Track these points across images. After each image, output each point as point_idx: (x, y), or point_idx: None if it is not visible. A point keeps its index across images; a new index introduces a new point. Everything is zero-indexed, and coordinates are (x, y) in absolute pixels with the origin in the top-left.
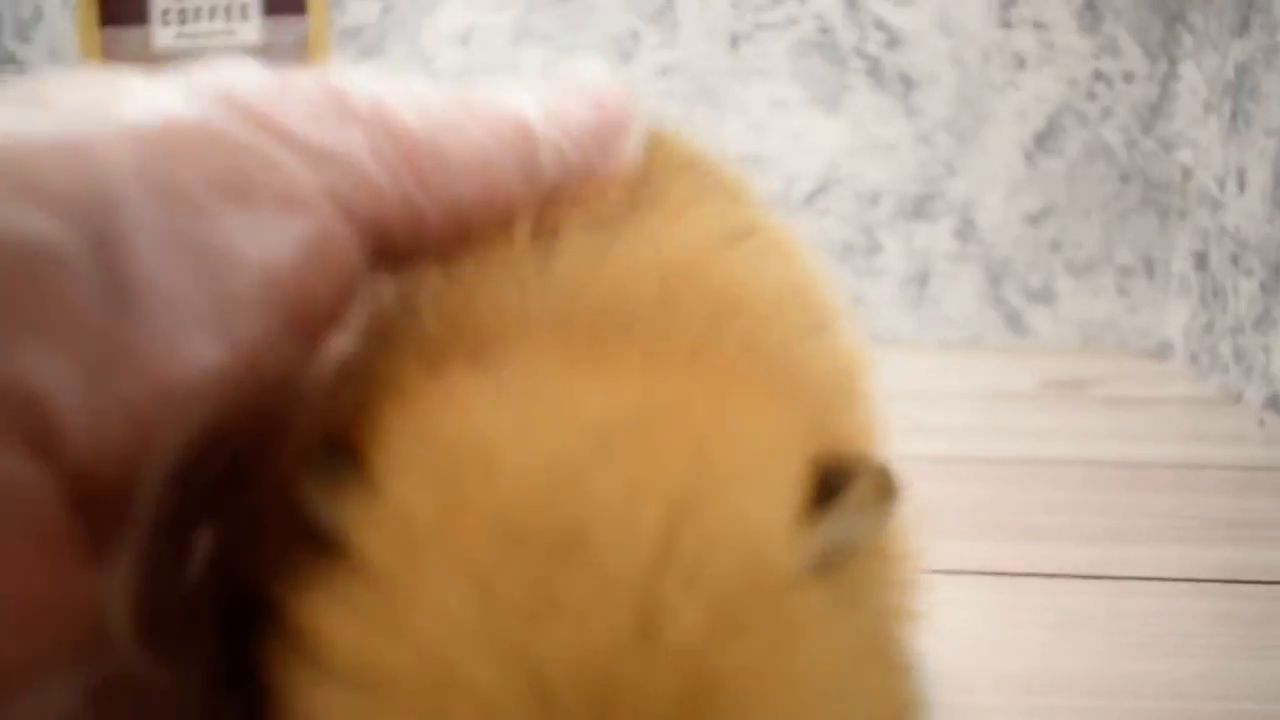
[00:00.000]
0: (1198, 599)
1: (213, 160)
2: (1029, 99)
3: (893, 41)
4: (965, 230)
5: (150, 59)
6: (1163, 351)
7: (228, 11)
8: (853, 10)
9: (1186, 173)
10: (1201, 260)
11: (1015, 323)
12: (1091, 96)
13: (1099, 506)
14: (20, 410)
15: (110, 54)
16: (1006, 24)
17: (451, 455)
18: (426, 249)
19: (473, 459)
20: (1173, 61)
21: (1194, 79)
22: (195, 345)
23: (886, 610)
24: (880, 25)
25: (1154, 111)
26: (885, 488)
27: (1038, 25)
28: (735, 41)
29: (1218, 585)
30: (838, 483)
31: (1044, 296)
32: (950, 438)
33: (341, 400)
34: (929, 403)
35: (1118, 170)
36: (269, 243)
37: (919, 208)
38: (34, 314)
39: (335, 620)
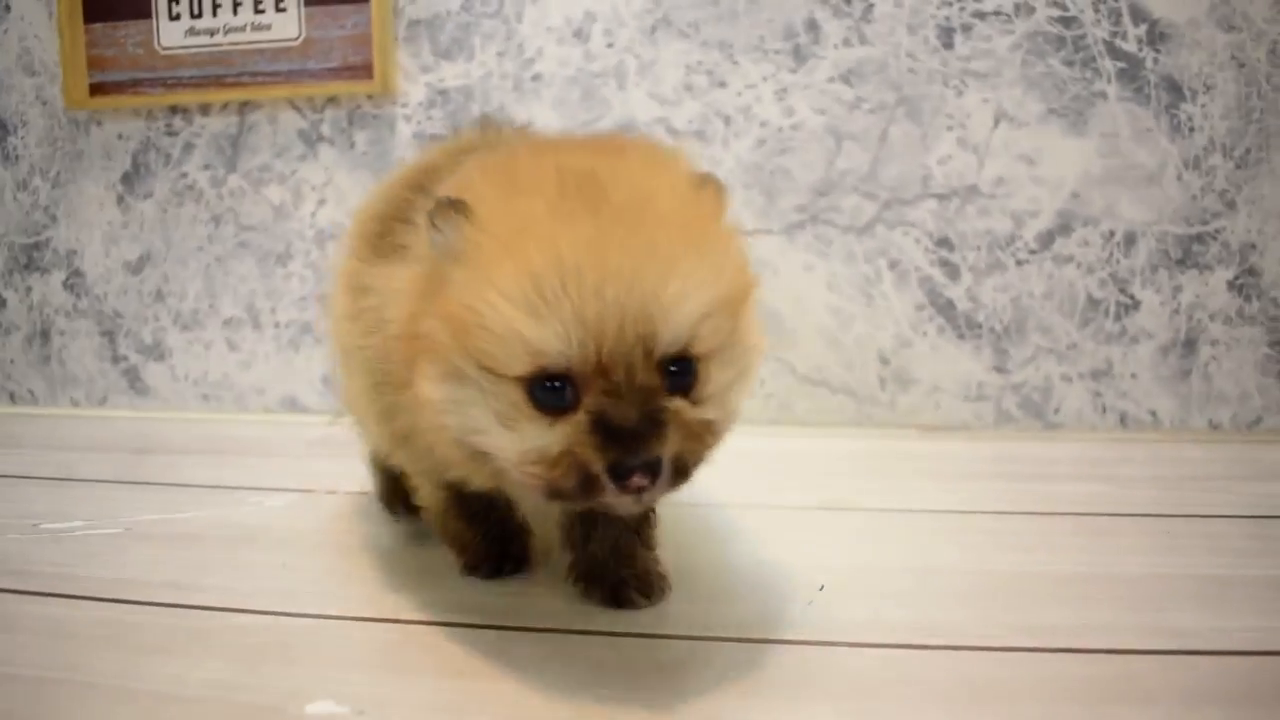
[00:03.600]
0: None
1: None
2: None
3: (1156, 36)
4: (1246, 282)
5: (153, 63)
6: None
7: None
8: None
9: None
10: None
11: None
12: None
13: None
14: None
15: (101, 60)
16: None
17: (515, 177)
18: None
19: (527, 171)
20: None
21: None
22: None
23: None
24: (1138, 14)
25: None
26: (718, 183)
27: None
28: (948, 35)
29: None
30: (702, 181)
31: None
32: (1238, 559)
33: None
34: (1209, 506)
35: None
36: None
37: (1187, 253)
38: None
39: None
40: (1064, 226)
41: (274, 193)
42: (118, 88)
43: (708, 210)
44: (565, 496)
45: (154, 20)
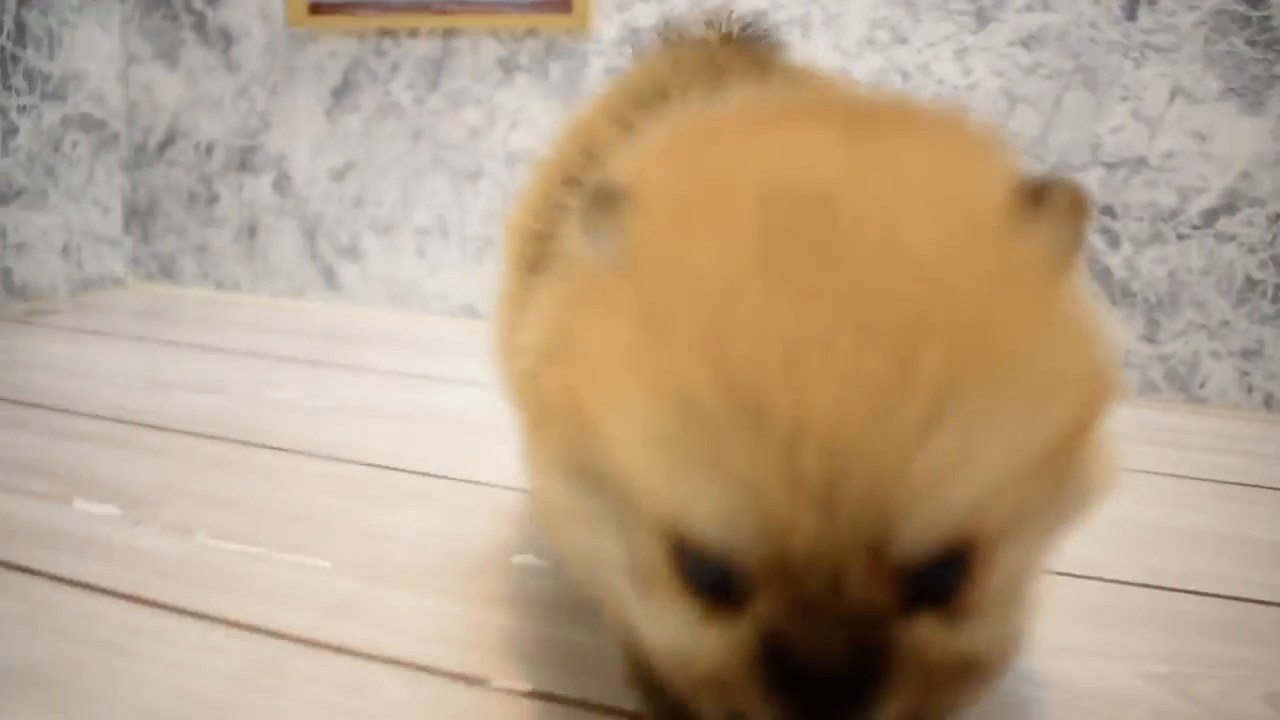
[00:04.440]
0: None
1: None
2: None
3: None
4: None
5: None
6: None
7: None
8: None
9: None
10: None
11: None
12: None
13: None
14: None
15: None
16: None
17: (702, 172)
18: None
19: (723, 167)
20: None
21: None
22: None
23: (1084, 307)
24: None
25: None
26: (1078, 199)
27: None
28: (1132, 7)
29: None
30: (1038, 191)
31: None
32: None
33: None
34: None
35: None
36: None
37: None
38: None
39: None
40: (1230, 205)
41: (470, 115)
42: (334, 8)
43: (1034, 268)
44: None
45: None
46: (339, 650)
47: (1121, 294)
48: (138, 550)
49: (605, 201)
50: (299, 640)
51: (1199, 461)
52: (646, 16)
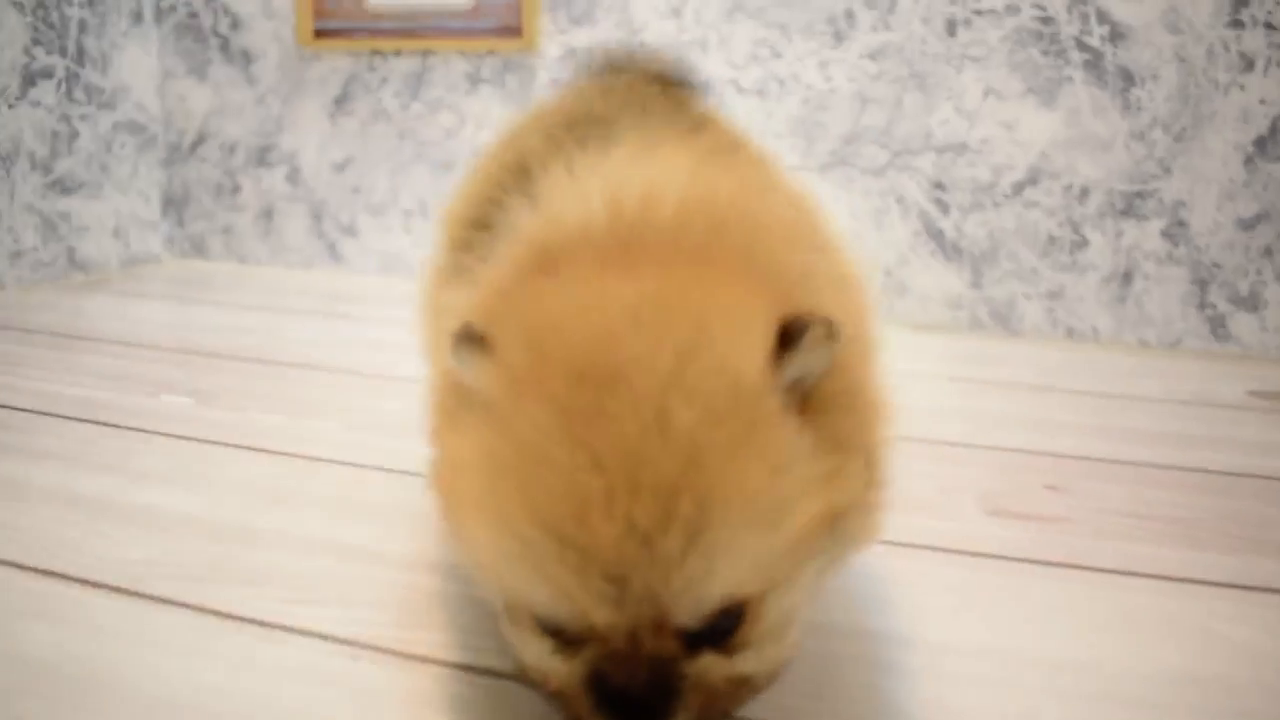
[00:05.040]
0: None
1: None
2: (1253, 101)
3: (1115, 35)
4: (1175, 231)
5: (362, 16)
6: None
7: None
8: (1076, 1)
9: None
10: None
11: (1219, 328)
12: None
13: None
14: None
15: (323, 11)
16: (1237, 23)
17: (538, 331)
18: None
19: (551, 331)
20: None
21: None
22: None
23: (855, 427)
24: (1103, 18)
25: None
26: (831, 332)
27: (1269, 27)
28: (952, 27)
29: None
30: (798, 331)
31: (1251, 304)
32: (1151, 444)
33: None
34: (1130, 405)
35: None
36: None
37: (1130, 205)
38: None
39: (471, 434)
40: (1033, 179)
41: (445, 118)
42: (335, 33)
43: (777, 416)
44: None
45: None
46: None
47: (953, 250)
48: (209, 421)
49: (469, 343)
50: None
51: (1015, 377)
52: (581, 39)
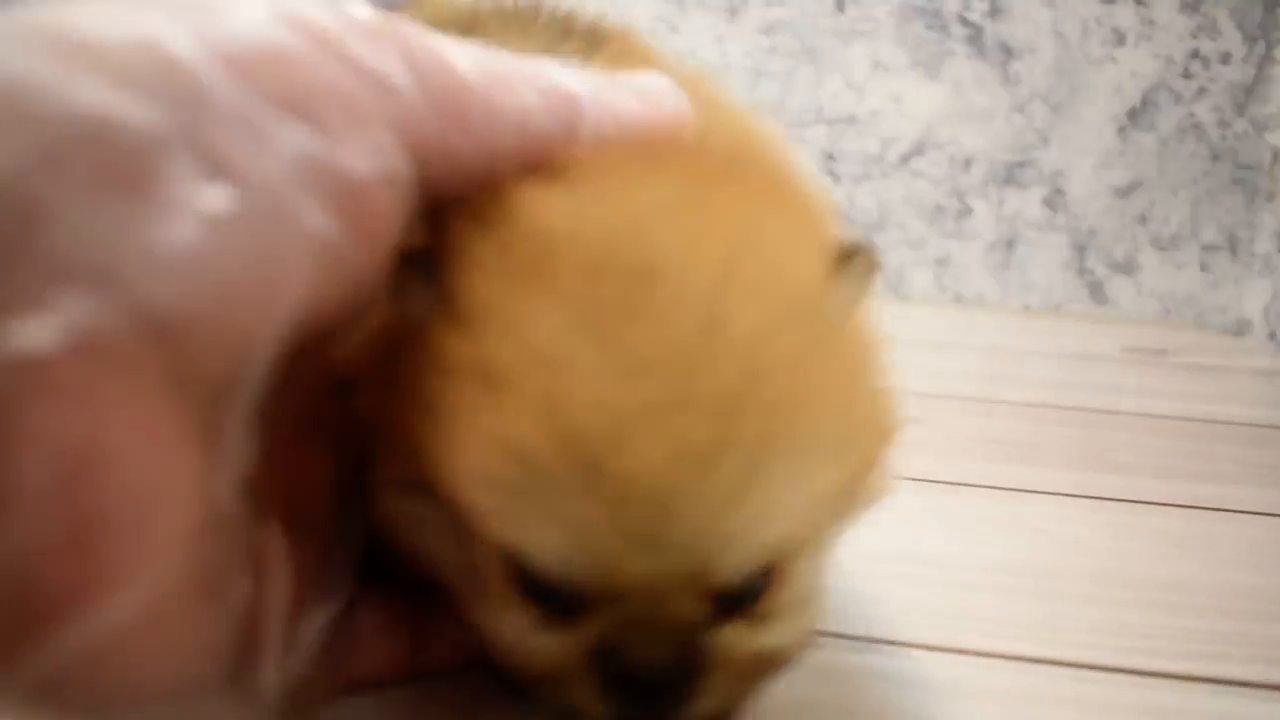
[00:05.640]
0: (1267, 528)
1: (287, 79)
2: (1125, 74)
3: (995, 10)
4: (1054, 199)
5: None
6: (1241, 329)
7: None
8: None
9: (1276, 155)
10: None
11: (1098, 292)
12: (1187, 75)
13: (1178, 452)
14: (124, 299)
15: None
16: None
17: (538, 233)
18: (455, 186)
19: (559, 231)
20: (1270, 45)
21: None
22: (286, 240)
23: (875, 356)
24: None
25: (1248, 93)
26: (874, 262)
27: (1139, 2)
28: (841, 3)
29: None
30: (846, 255)
31: (1127, 268)
32: (1036, 389)
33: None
34: (1015, 359)
35: (1208, 149)
36: (340, 155)
37: (1010, 175)
38: (139, 188)
39: (451, 345)
40: (919, 150)
41: None
42: None
43: (838, 336)
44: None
45: None
46: None
47: (844, 220)
48: None
49: (422, 265)
50: None
51: (905, 335)
52: None
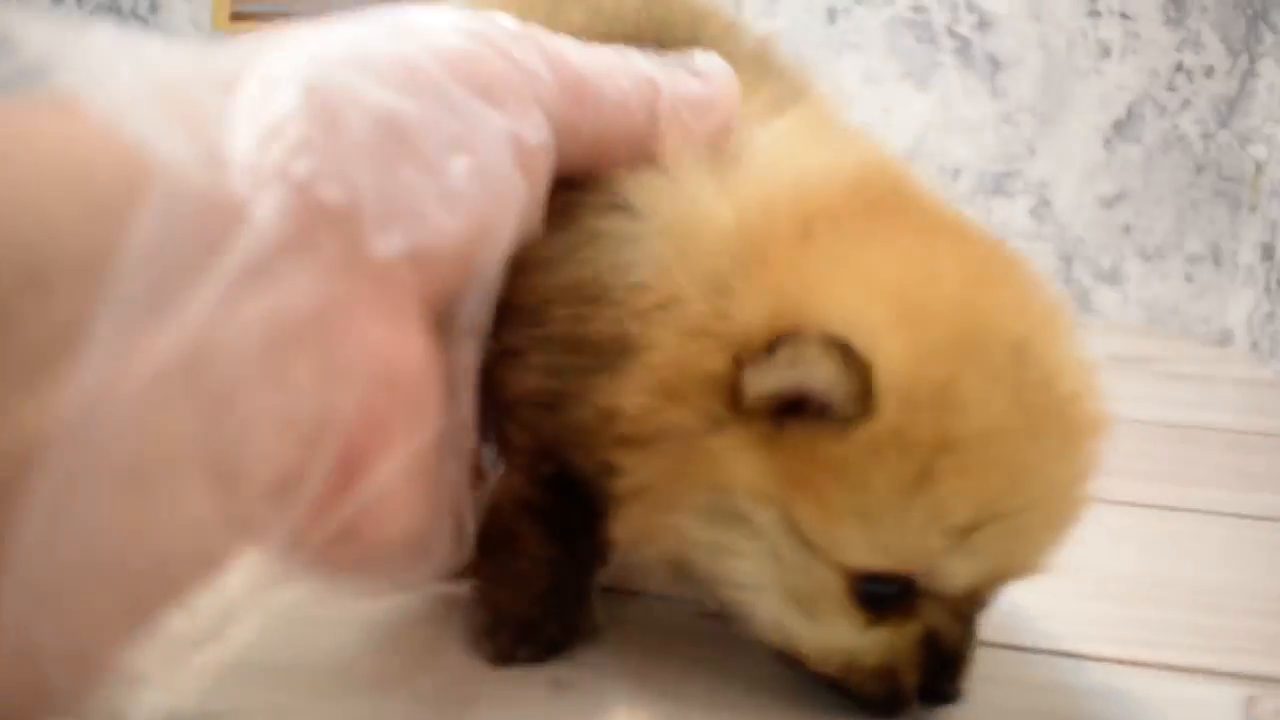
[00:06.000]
0: (1242, 530)
1: (480, 74)
2: (1111, 87)
3: (983, 23)
4: (1041, 209)
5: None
6: (1224, 338)
7: None
8: None
9: (1260, 167)
10: (1269, 252)
11: (1083, 301)
12: (1172, 88)
13: (1159, 457)
14: (412, 234)
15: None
16: (1094, 13)
17: (928, 320)
18: (573, 153)
19: (916, 302)
20: (1253, 58)
21: (1273, 76)
22: (491, 201)
23: None
24: (972, 7)
25: (1231, 106)
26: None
27: (1124, 16)
28: (832, 15)
29: (1262, 522)
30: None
31: (1112, 278)
32: None
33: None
34: None
35: (1193, 161)
36: (520, 129)
37: (998, 185)
38: (419, 157)
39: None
40: (908, 160)
41: None
42: (252, 16)
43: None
44: (856, 701)
45: None
46: None
47: None
48: None
49: (849, 360)
50: None
51: None
52: None
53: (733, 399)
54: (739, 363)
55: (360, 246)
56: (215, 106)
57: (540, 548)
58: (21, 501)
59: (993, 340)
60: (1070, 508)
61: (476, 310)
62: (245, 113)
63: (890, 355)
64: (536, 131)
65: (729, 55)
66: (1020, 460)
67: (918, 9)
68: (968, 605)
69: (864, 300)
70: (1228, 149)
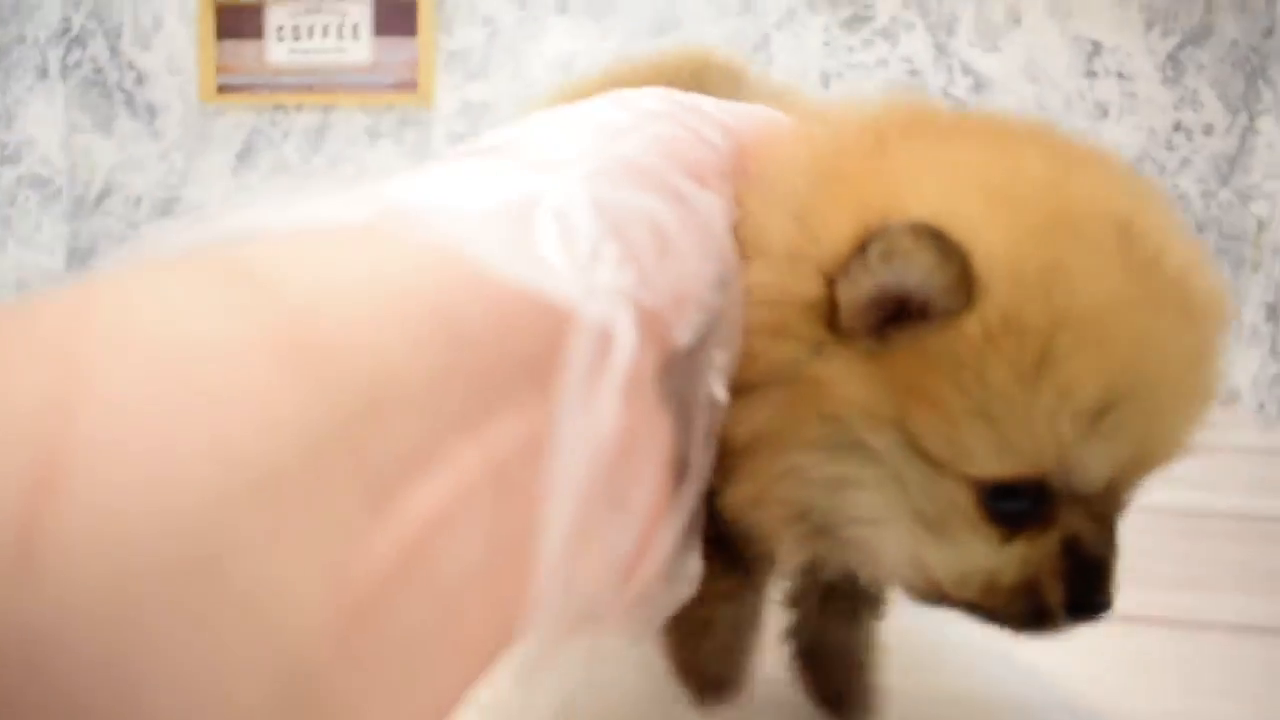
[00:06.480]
0: (1257, 647)
1: (682, 157)
2: (1109, 147)
3: (979, 85)
4: None
5: (264, 72)
6: (1230, 400)
7: (340, 31)
8: (942, 55)
9: (1262, 225)
10: (1273, 312)
11: None
12: (1171, 147)
13: (1161, 553)
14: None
15: (226, 67)
16: (1091, 73)
17: (1022, 204)
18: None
19: (1008, 191)
20: (1253, 115)
21: (1273, 133)
22: (698, 268)
23: None
24: (967, 70)
25: (1231, 164)
26: None
27: (1121, 76)
28: (826, 79)
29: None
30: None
31: None
32: None
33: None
34: None
35: (1194, 220)
36: (712, 201)
37: None
38: (675, 252)
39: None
40: None
41: (345, 172)
42: (238, 89)
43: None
44: (1002, 624)
45: (266, 41)
46: None
47: None
48: None
49: (944, 247)
50: None
51: None
52: (476, 94)
53: (832, 319)
54: (831, 280)
55: (670, 343)
56: (524, 237)
57: (718, 581)
58: (377, 619)
59: (1094, 220)
60: (1202, 383)
61: (677, 371)
62: (548, 241)
63: (987, 240)
64: (720, 202)
65: (760, 94)
66: (1143, 332)
67: (913, 72)
68: (1106, 505)
69: (950, 192)
70: (1229, 207)
